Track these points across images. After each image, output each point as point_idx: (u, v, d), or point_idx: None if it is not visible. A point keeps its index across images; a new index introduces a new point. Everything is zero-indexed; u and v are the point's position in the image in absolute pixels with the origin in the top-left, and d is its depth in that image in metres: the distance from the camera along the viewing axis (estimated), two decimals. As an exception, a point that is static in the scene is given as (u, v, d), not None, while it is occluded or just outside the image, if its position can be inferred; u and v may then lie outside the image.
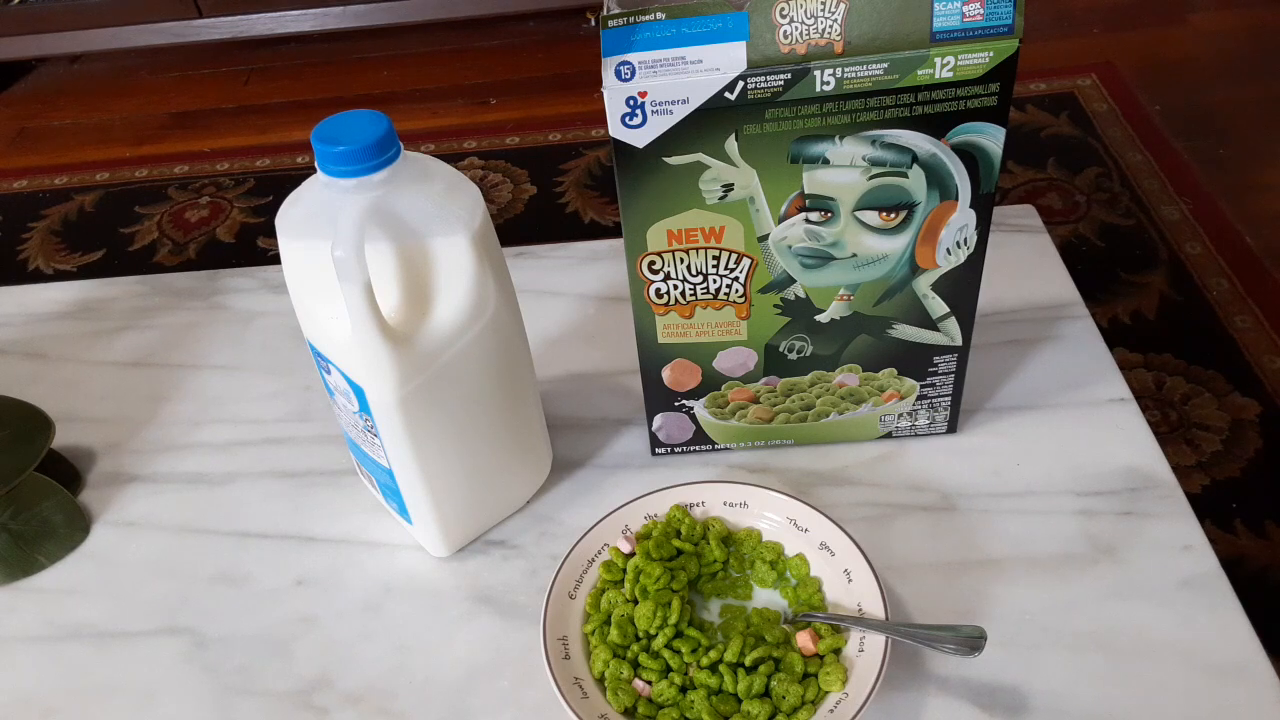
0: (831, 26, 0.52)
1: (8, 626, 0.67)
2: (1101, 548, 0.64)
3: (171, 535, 0.72)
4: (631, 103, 0.54)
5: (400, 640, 0.64)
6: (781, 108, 0.54)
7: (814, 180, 0.57)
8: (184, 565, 0.70)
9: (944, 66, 0.53)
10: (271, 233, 1.89)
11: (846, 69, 0.53)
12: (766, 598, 0.63)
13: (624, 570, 0.63)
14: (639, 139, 0.55)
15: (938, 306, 0.64)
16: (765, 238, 0.60)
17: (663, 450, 0.73)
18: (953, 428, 0.72)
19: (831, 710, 0.55)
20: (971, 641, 0.56)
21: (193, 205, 2.08)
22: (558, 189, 2.01)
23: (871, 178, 0.57)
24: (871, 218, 0.59)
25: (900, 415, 0.70)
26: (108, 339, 0.88)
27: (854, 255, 0.61)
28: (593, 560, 0.64)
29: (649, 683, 0.58)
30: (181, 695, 0.62)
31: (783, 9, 0.52)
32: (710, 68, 0.53)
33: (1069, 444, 0.71)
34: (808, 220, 0.59)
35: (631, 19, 0.53)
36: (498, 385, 0.63)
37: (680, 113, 0.54)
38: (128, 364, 0.86)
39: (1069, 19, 2.33)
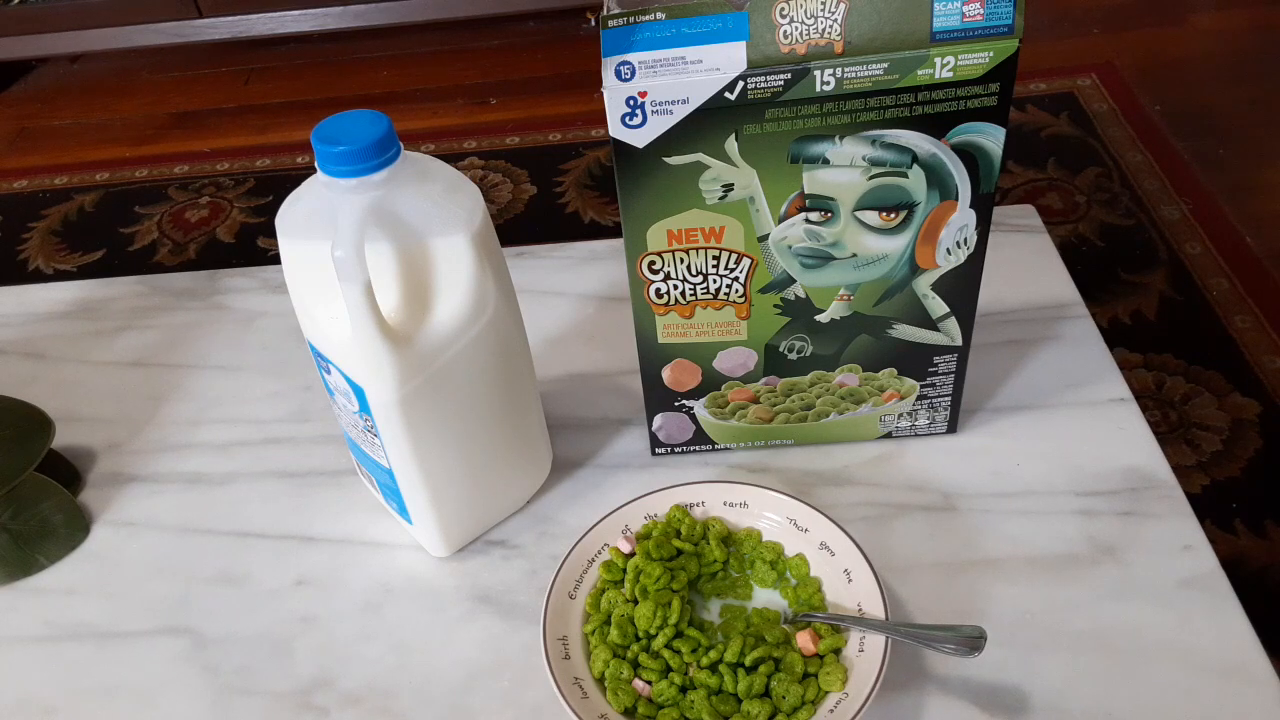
0: (831, 26, 0.52)
1: (8, 626, 0.67)
2: (1101, 548, 0.64)
3: (171, 535, 0.72)
4: (631, 103, 0.54)
5: (400, 640, 0.64)
6: (781, 108, 0.54)
7: (814, 180, 0.57)
8: (184, 565, 0.70)
9: (944, 66, 0.53)
10: (271, 233, 1.89)
11: (846, 69, 0.53)
12: (766, 598, 0.63)
13: (624, 570, 0.63)
14: (639, 139, 0.55)
15: (938, 306, 0.64)
16: (765, 238, 0.60)
17: (663, 450, 0.73)
18: (953, 428, 0.72)
19: (831, 710, 0.55)
20: (971, 641, 0.56)
21: (193, 205, 2.08)
22: (558, 189, 2.01)
23: (871, 178, 0.57)
24: (871, 218, 0.59)
25: (900, 415, 0.70)
26: (108, 339, 0.88)
27: (854, 255, 0.61)
28: (593, 560, 0.64)
29: (649, 683, 0.58)
30: (181, 695, 0.62)
31: (783, 9, 0.52)
32: (710, 68, 0.53)
33: (1069, 444, 0.71)
34: (808, 220, 0.59)
35: (631, 19, 0.53)
36: (498, 385, 0.63)
37: (680, 113, 0.54)
38: (128, 364, 0.86)
39: (1069, 19, 2.34)
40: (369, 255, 0.54)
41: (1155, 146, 1.92)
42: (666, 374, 0.67)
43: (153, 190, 2.14)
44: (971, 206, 0.59)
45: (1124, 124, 1.99)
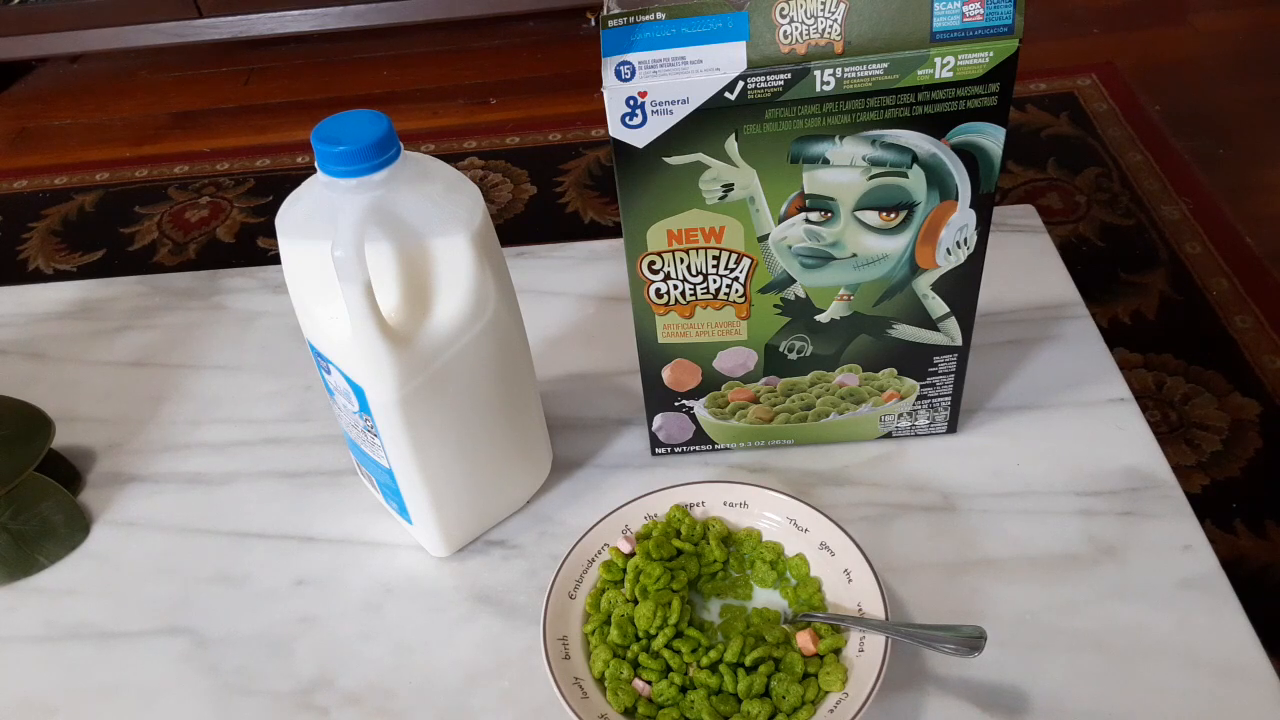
0: (831, 26, 0.52)
1: (8, 626, 0.67)
2: (1101, 548, 0.64)
3: (171, 535, 0.72)
4: (631, 103, 0.54)
5: (400, 640, 0.64)
6: (781, 108, 0.54)
7: (814, 180, 0.57)
8: (184, 565, 0.70)
9: (944, 66, 0.53)
10: (271, 233, 1.89)
11: (846, 69, 0.53)
12: (766, 598, 0.63)
13: (624, 570, 0.63)
14: (639, 139, 0.55)
15: (938, 306, 0.64)
16: (765, 238, 0.60)
17: (663, 450, 0.73)
18: (953, 428, 0.72)
19: (831, 710, 0.55)
20: (971, 641, 0.56)
21: (193, 205, 2.08)
22: (558, 189, 2.01)
23: (871, 178, 0.57)
24: (871, 218, 0.59)
25: (900, 415, 0.70)
26: (108, 339, 0.88)
27: (854, 255, 0.61)
28: (593, 560, 0.64)
29: (649, 683, 0.58)
30: (181, 695, 0.63)
31: (783, 9, 0.52)
32: (710, 68, 0.53)
33: (1069, 444, 0.71)
34: (808, 220, 0.59)
35: (631, 19, 0.53)
36: (498, 385, 0.63)
37: (680, 113, 0.54)
38: (128, 364, 0.86)
39: (1069, 19, 2.33)
40: (369, 255, 0.54)
41: (1155, 146, 1.92)
42: (666, 374, 0.67)
43: (153, 190, 2.14)
44: (971, 206, 0.59)
45: (1124, 124, 1.99)
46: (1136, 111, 2.02)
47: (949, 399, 0.69)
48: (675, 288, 0.62)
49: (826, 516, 0.63)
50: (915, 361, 0.67)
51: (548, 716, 0.59)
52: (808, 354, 0.66)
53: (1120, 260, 1.69)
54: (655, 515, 0.66)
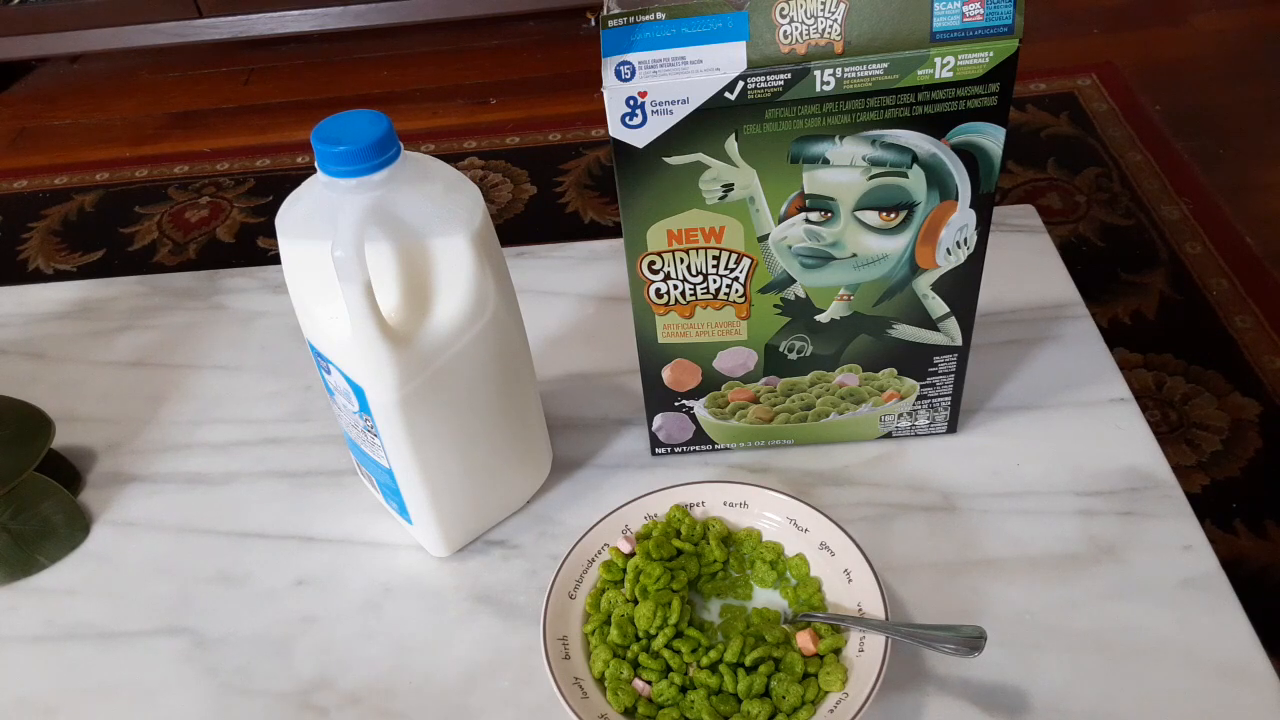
0: (831, 26, 0.52)
1: (8, 626, 0.67)
2: (1102, 548, 0.64)
3: (171, 535, 0.72)
4: (631, 103, 0.54)
5: (400, 640, 0.64)
6: (781, 108, 0.54)
7: (814, 180, 0.57)
8: (184, 565, 0.70)
9: (944, 66, 0.53)
10: (271, 233, 1.89)
11: (846, 69, 0.53)
12: (766, 598, 0.63)
13: (624, 570, 0.63)
14: (639, 139, 0.55)
15: (938, 306, 0.64)
16: (765, 238, 0.60)
17: (663, 450, 0.73)
18: (953, 428, 0.72)
19: (831, 710, 0.55)
20: (971, 641, 0.56)
21: (193, 205, 2.08)
22: (558, 189, 2.01)
23: (871, 178, 0.57)
24: (871, 218, 0.59)
25: (900, 415, 0.70)
26: (108, 339, 0.88)
27: (854, 255, 0.61)
28: (593, 560, 0.64)
29: (649, 683, 0.58)
30: (181, 695, 0.63)
31: (783, 9, 0.52)
32: (710, 68, 0.53)
33: (1069, 444, 0.71)
34: (808, 220, 0.59)
35: (631, 19, 0.53)
36: (498, 385, 0.63)
37: (680, 113, 0.54)
38: (128, 364, 0.86)
39: (1069, 19, 2.34)
40: (369, 255, 0.54)
41: (1155, 146, 1.92)
42: (666, 374, 0.67)
43: (153, 190, 2.14)
44: (971, 206, 0.59)
45: (1124, 124, 1.99)
46: (1136, 111, 2.02)
47: (949, 399, 0.69)
48: (675, 288, 0.62)
49: (826, 516, 0.63)
50: (915, 361, 0.67)
51: (548, 716, 0.59)
52: (808, 354, 0.66)
53: (1120, 260, 1.69)
54: (655, 515, 0.66)
